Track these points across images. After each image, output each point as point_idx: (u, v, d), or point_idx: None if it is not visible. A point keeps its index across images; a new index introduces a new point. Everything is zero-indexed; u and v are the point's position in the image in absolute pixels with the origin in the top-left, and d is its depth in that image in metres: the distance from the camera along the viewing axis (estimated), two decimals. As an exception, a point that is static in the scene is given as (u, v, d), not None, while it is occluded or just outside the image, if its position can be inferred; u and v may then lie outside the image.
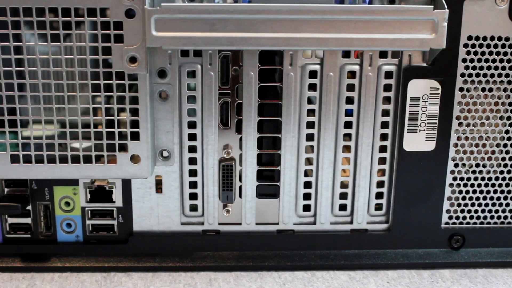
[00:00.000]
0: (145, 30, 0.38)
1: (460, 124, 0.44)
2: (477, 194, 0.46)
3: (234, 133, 0.44)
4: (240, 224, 0.46)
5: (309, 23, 0.38)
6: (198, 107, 0.43)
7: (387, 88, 0.43)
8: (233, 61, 0.42)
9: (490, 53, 0.42)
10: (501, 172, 0.45)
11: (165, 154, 0.43)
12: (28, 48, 0.39)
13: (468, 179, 0.45)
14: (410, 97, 0.43)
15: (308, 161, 0.45)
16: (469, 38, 0.42)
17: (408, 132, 0.44)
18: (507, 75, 0.43)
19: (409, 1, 0.40)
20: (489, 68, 0.43)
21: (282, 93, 0.43)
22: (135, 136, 0.40)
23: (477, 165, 0.45)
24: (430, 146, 0.44)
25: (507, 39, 0.42)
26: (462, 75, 0.43)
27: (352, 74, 0.43)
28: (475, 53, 0.42)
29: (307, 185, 0.45)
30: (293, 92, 0.43)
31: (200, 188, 0.45)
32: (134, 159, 0.41)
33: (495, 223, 0.47)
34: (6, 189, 0.44)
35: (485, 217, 0.46)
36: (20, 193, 0.44)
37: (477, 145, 0.45)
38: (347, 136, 0.44)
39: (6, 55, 0.39)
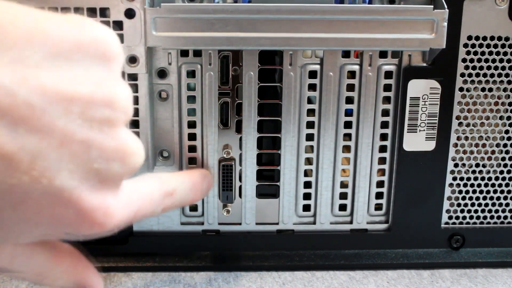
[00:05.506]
0: (145, 30, 0.38)
1: (460, 124, 0.44)
2: (477, 194, 0.46)
3: (234, 133, 0.44)
4: (240, 224, 0.46)
5: (309, 23, 0.38)
6: (198, 107, 0.43)
7: (387, 88, 0.43)
8: (233, 61, 0.42)
9: (490, 53, 0.42)
10: (501, 172, 0.45)
11: (165, 154, 0.43)
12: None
13: (468, 179, 0.45)
14: (410, 97, 0.43)
15: (308, 161, 0.45)
16: (469, 38, 0.42)
17: (408, 132, 0.43)
18: (507, 75, 0.43)
19: (409, 1, 0.40)
20: (489, 68, 0.43)
21: (282, 93, 0.43)
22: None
23: (477, 165, 0.45)
24: (430, 146, 0.44)
25: (507, 39, 0.42)
26: (462, 75, 0.43)
27: (352, 74, 0.43)
28: (475, 53, 0.42)
29: (307, 185, 0.45)
30: (293, 92, 0.43)
31: (200, 188, 0.45)
32: (134, 159, 0.41)
33: (495, 223, 0.47)
34: (6, 189, 0.44)
35: (485, 217, 0.46)
36: (20, 193, 0.44)
37: (477, 145, 0.45)
38: (347, 136, 0.44)
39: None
